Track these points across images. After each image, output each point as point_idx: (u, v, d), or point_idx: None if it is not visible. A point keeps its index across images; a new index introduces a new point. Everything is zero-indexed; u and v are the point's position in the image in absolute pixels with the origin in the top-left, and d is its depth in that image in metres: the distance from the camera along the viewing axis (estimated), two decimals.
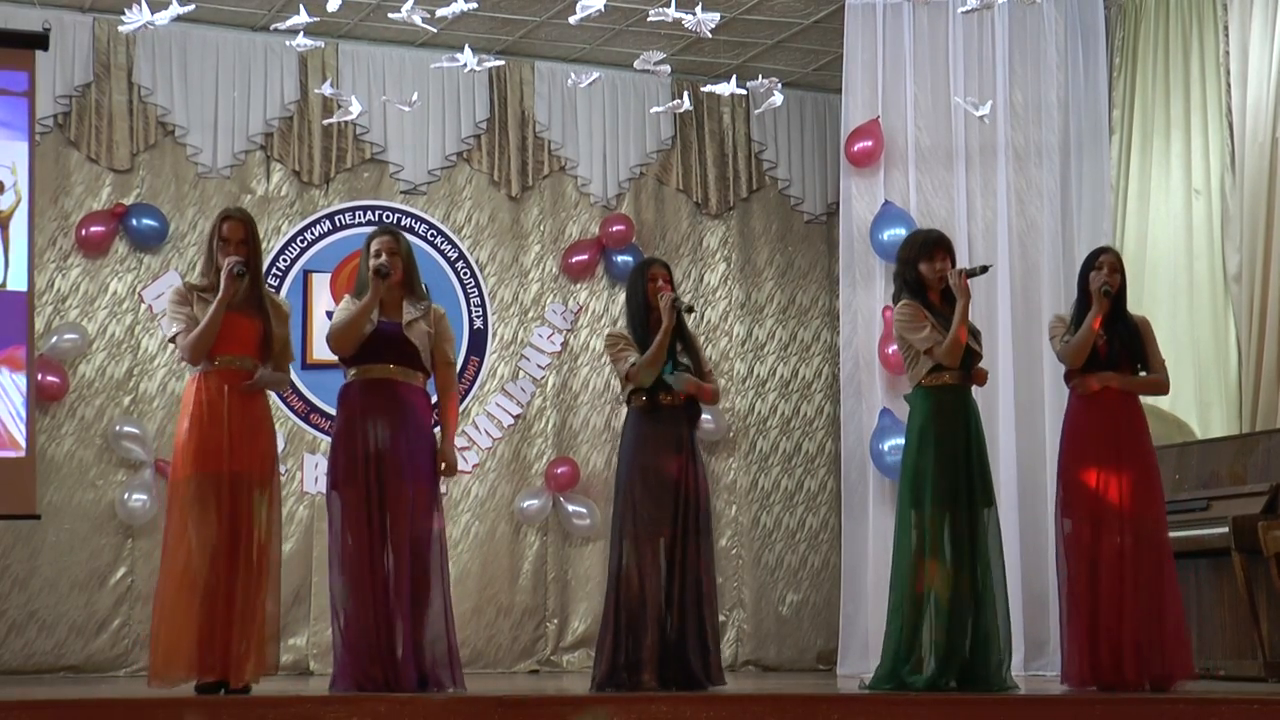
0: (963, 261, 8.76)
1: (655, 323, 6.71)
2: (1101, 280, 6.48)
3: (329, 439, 9.55)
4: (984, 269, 6.85)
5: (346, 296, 6.41)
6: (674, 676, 6.49)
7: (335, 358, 6.42)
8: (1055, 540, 6.64)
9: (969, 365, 6.51)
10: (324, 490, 9.43)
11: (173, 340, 6.18)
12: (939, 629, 6.30)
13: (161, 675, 5.91)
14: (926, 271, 6.50)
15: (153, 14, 8.00)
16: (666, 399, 6.69)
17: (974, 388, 6.62)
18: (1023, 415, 9.13)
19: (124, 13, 8.13)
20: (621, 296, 10.27)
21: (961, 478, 6.38)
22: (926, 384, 6.48)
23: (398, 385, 6.26)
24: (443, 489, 6.47)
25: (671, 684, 6.47)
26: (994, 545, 6.42)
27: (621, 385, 6.84)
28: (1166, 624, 6.35)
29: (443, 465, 6.34)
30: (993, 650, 6.33)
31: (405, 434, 6.22)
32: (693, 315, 6.76)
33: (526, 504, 10.08)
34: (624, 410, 6.90)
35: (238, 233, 6.10)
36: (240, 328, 6.07)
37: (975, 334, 6.60)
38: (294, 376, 9.58)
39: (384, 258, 6.24)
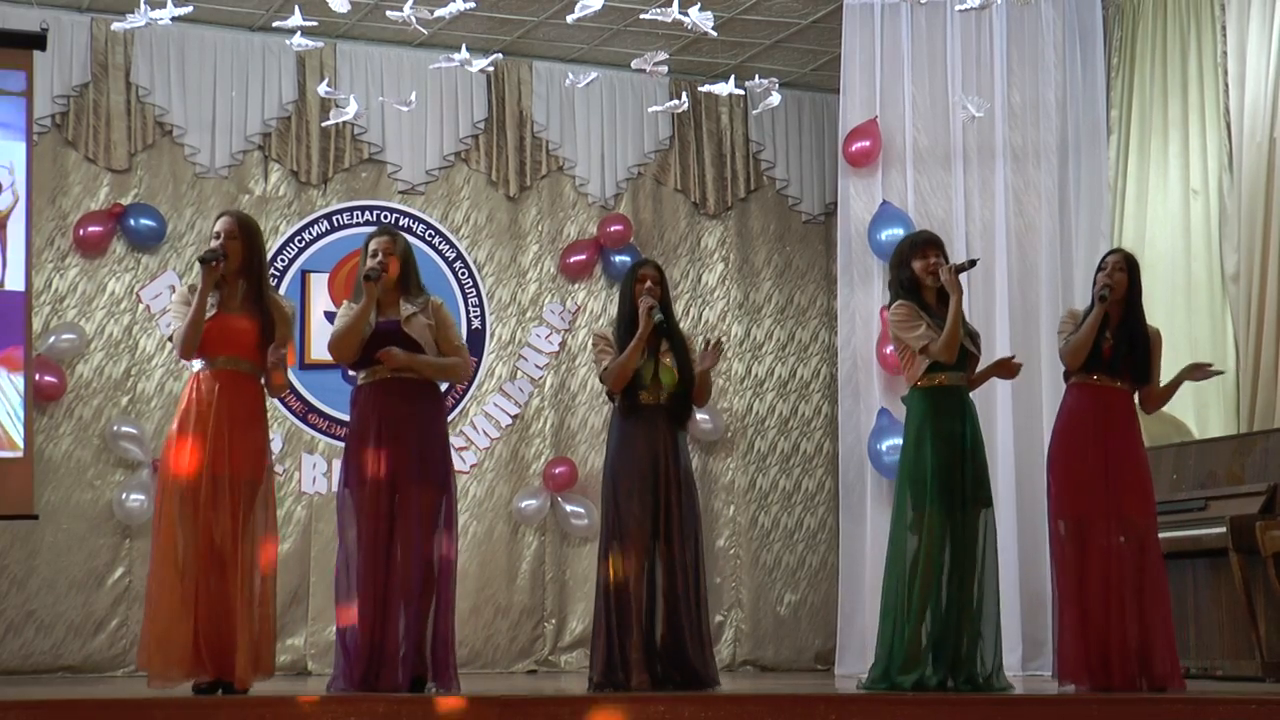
0: (956, 259, 8.80)
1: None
2: (1102, 282, 6.49)
3: (327, 439, 9.72)
4: (973, 262, 6.86)
5: (346, 302, 6.46)
6: (669, 676, 6.49)
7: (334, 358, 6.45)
8: (1050, 539, 6.65)
9: (965, 366, 6.52)
10: (320, 490, 9.63)
11: (171, 338, 6.20)
12: (934, 630, 6.30)
13: (161, 675, 5.88)
14: (920, 270, 6.50)
15: (151, 13, 8.00)
16: (647, 398, 6.66)
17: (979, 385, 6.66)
18: (1021, 415, 9.13)
19: (128, 14, 8.14)
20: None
21: (959, 479, 6.37)
22: (923, 385, 6.47)
23: (405, 384, 6.28)
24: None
25: (668, 683, 6.46)
26: (990, 546, 6.42)
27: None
28: (1155, 629, 6.34)
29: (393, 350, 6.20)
30: (986, 651, 6.32)
31: (415, 434, 6.24)
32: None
33: (524, 504, 10.08)
34: None
35: (224, 225, 6.10)
36: (236, 328, 6.05)
37: (973, 335, 6.61)
38: (292, 377, 9.62)
39: (379, 257, 6.27)
